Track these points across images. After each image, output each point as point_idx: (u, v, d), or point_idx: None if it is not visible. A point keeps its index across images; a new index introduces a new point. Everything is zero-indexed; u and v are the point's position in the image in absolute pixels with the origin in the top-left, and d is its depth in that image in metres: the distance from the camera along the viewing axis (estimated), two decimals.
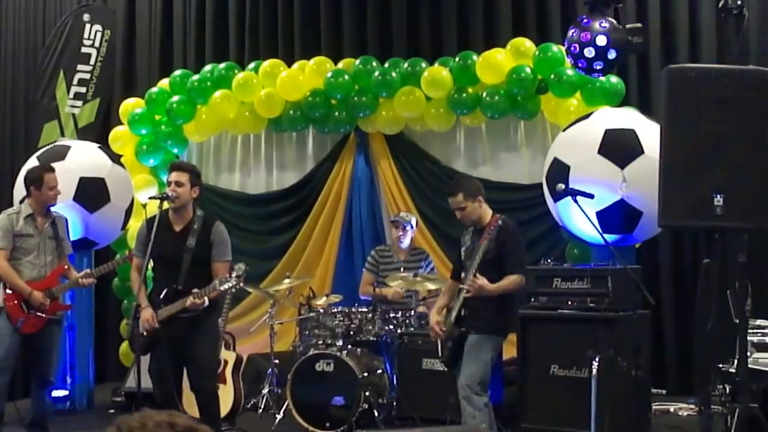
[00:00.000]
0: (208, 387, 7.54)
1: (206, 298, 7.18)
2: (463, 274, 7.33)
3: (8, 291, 8.17)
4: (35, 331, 8.16)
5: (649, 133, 8.42)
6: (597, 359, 7.24)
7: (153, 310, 7.34)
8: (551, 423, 7.66)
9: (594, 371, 7.21)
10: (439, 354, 7.49)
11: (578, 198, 7.47)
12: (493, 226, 7.15)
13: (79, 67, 12.02)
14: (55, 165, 9.37)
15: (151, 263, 7.64)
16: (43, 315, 8.18)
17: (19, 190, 9.98)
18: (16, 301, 8.11)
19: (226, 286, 7.17)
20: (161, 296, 7.38)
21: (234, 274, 7.32)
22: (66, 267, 8.51)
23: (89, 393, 10.62)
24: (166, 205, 7.39)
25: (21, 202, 9.45)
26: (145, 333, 7.29)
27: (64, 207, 9.21)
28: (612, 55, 8.04)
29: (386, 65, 10.55)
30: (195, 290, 7.18)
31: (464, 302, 7.12)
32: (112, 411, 9.99)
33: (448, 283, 7.78)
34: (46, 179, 8.31)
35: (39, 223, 8.30)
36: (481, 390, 7.04)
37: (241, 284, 7.49)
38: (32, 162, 10.14)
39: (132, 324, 7.40)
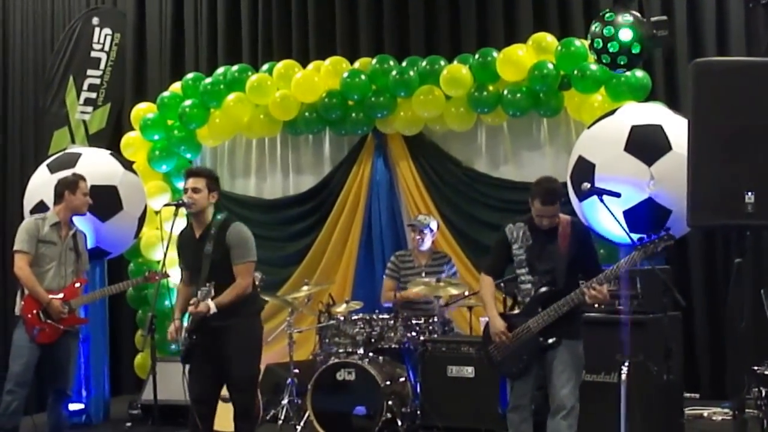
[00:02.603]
0: (241, 398, 7.39)
1: (210, 304, 7.08)
2: (530, 277, 7.11)
3: (25, 300, 8.21)
4: (50, 342, 8.20)
5: (676, 128, 8.40)
6: (626, 363, 7.21)
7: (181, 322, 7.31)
8: (581, 429, 7.62)
9: (624, 376, 7.18)
10: (507, 366, 7.21)
11: (604, 197, 7.43)
12: (568, 228, 7.05)
13: (89, 72, 12.08)
14: (65, 173, 9.42)
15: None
16: (60, 326, 8.22)
17: (30, 198, 10.03)
18: (33, 310, 8.15)
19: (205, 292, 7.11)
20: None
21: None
22: (85, 280, 8.60)
23: (105, 406, 10.68)
24: (181, 212, 7.39)
25: (31, 211, 9.52)
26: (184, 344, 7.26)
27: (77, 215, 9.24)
28: (636, 49, 8.02)
29: (404, 64, 10.56)
30: (192, 299, 7.15)
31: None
32: (128, 424, 10.00)
33: (487, 281, 7.33)
34: (81, 185, 8.42)
35: (63, 234, 8.36)
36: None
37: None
38: (42, 170, 10.18)
39: (146, 335, 7.39)
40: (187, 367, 7.24)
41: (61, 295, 8.24)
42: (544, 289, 6.97)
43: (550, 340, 6.89)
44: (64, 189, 8.41)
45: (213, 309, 7.03)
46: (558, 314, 6.84)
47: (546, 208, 6.98)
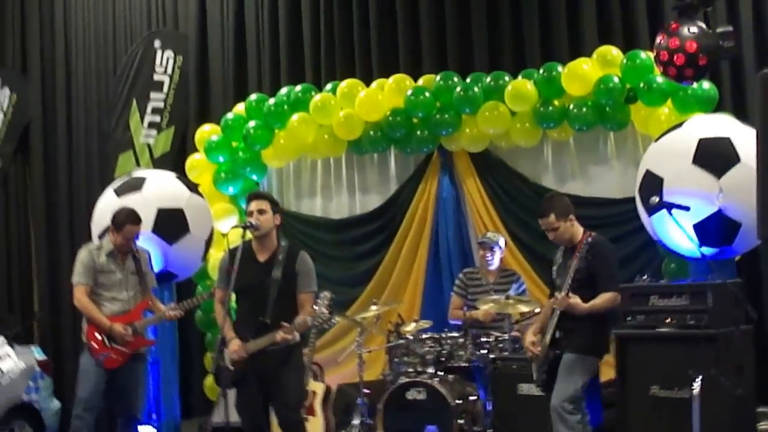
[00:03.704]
0: (294, 420, 7.64)
1: (296, 333, 7.34)
2: (556, 294, 7.42)
3: (89, 327, 8.43)
4: (118, 366, 8.40)
5: (745, 140, 8.37)
6: (699, 379, 7.25)
7: (240, 341, 7.49)
8: None
9: (696, 391, 7.22)
10: (534, 378, 7.57)
11: (673, 211, 7.53)
12: (583, 244, 7.23)
13: (152, 95, 12.29)
14: (131, 196, 9.67)
15: (233, 295, 7.79)
16: (126, 349, 8.42)
17: (97, 223, 10.25)
18: (98, 336, 8.36)
19: (316, 320, 7.32)
20: (251, 330, 7.49)
21: (323, 306, 7.46)
22: (150, 302, 8.76)
23: (176, 429, 10.90)
24: (248, 235, 7.56)
25: (100, 236, 9.72)
26: (232, 367, 7.43)
27: (143, 239, 9.40)
28: (702, 61, 8.07)
29: (468, 80, 10.64)
30: (285, 324, 7.32)
31: (558, 323, 7.21)
32: None
33: (545, 302, 7.81)
34: (126, 229, 8.58)
35: (121, 259, 8.55)
36: (573, 408, 7.09)
37: (333, 317, 7.63)
38: (109, 194, 10.40)
39: (217, 357, 7.57)
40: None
41: (122, 319, 8.45)
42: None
43: (550, 354, 7.24)
44: (113, 223, 8.62)
45: (297, 337, 7.32)
46: (552, 325, 7.13)
47: (541, 221, 7.51)
